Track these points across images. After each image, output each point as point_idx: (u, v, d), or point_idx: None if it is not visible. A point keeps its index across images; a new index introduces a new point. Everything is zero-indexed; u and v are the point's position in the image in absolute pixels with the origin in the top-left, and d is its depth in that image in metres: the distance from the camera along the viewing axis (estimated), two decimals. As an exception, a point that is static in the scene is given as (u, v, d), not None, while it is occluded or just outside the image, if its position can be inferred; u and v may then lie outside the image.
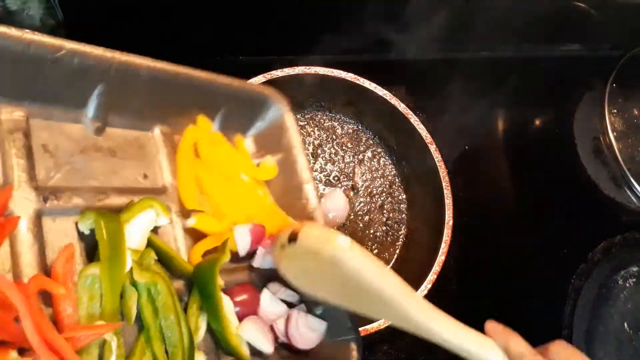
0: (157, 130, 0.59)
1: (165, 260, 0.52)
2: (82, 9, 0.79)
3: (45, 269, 0.43)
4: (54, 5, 0.78)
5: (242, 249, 0.57)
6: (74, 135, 0.51)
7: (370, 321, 0.72)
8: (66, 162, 0.49)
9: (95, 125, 0.52)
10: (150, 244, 0.51)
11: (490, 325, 0.47)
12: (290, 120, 0.68)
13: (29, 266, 0.42)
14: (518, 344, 0.44)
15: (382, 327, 0.72)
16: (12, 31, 0.43)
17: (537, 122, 1.14)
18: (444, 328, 0.47)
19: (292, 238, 0.52)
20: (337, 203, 0.84)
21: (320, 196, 0.81)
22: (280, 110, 0.69)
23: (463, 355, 0.46)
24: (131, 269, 0.46)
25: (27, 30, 0.45)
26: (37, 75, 0.47)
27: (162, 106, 0.58)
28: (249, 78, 0.82)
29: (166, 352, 0.48)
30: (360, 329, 0.71)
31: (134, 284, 0.47)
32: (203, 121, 0.64)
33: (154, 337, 0.47)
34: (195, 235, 0.58)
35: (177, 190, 0.58)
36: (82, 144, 0.51)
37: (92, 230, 0.47)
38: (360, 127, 0.95)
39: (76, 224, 0.48)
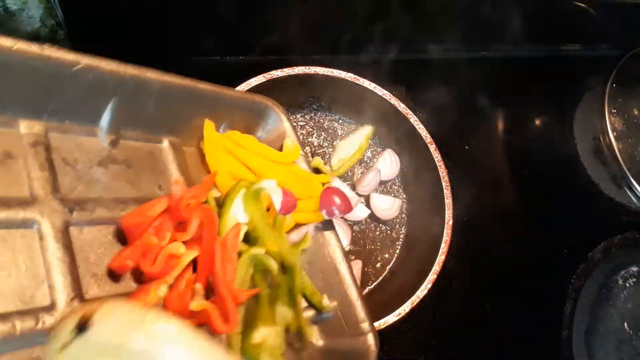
0: (166, 142, 0.60)
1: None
2: (82, 8, 0.79)
3: (77, 279, 0.44)
4: (54, 5, 0.78)
5: (277, 202, 0.61)
6: (90, 148, 0.52)
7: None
8: (86, 174, 0.50)
9: (110, 138, 0.54)
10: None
11: None
12: (289, 127, 0.71)
13: (60, 275, 0.42)
14: None
15: (382, 327, 0.72)
16: (33, 47, 0.45)
17: (537, 122, 1.14)
18: None
19: (83, 325, 0.35)
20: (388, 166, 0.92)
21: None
22: (279, 119, 0.70)
23: None
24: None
25: (46, 46, 0.46)
26: (55, 89, 0.48)
27: (171, 118, 0.60)
28: (249, 78, 0.82)
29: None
30: None
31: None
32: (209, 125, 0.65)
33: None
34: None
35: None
36: (98, 156, 0.52)
37: None
38: (360, 127, 0.95)
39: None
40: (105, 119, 0.53)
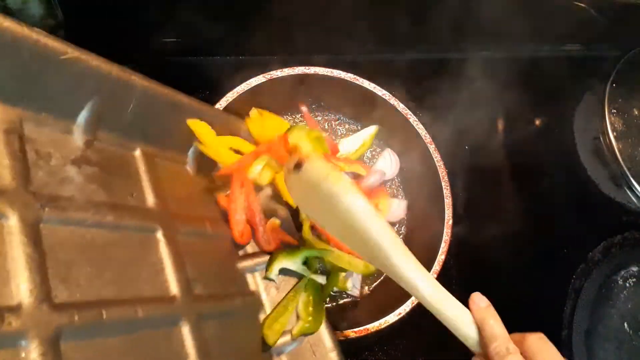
0: (138, 151, 0.58)
1: None
2: (82, 9, 0.79)
3: (46, 280, 0.40)
4: (54, 5, 0.78)
5: None
6: (64, 146, 0.50)
7: (370, 321, 0.72)
8: (59, 170, 0.48)
9: (85, 138, 0.52)
10: None
11: (475, 297, 0.47)
12: None
13: (28, 273, 0.39)
14: (494, 325, 0.44)
15: (381, 327, 0.72)
16: (24, 28, 0.43)
17: (537, 122, 1.14)
18: (426, 287, 0.48)
19: (298, 166, 0.53)
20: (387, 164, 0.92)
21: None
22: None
23: (439, 318, 0.48)
24: None
25: (35, 28, 0.44)
26: (38, 76, 0.46)
27: (147, 127, 0.59)
28: (249, 78, 0.82)
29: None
30: (359, 328, 0.71)
31: None
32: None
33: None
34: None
35: (163, 210, 0.58)
36: (72, 155, 0.50)
37: None
38: (359, 128, 0.95)
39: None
40: (83, 117, 0.51)
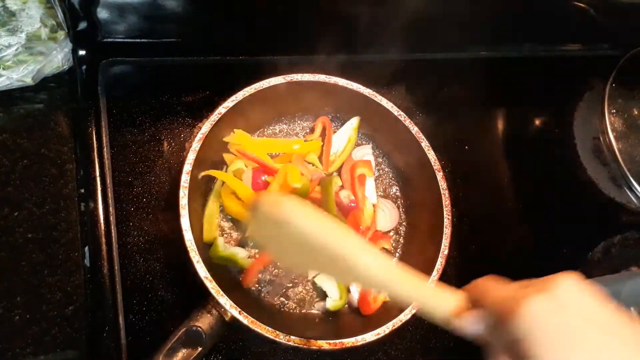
0: None
1: None
2: (82, 9, 0.79)
3: None
4: (54, 5, 0.78)
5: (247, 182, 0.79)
6: None
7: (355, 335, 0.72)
8: None
9: None
10: None
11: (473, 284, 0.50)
12: None
13: None
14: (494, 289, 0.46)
15: (357, 343, 0.71)
16: None
17: (537, 122, 1.14)
18: (400, 284, 0.50)
19: (254, 206, 0.55)
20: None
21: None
22: None
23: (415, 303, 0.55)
24: None
25: None
26: None
27: None
28: (250, 78, 0.82)
29: None
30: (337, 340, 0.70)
31: None
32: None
33: None
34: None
35: None
36: None
37: None
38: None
39: None
40: None
